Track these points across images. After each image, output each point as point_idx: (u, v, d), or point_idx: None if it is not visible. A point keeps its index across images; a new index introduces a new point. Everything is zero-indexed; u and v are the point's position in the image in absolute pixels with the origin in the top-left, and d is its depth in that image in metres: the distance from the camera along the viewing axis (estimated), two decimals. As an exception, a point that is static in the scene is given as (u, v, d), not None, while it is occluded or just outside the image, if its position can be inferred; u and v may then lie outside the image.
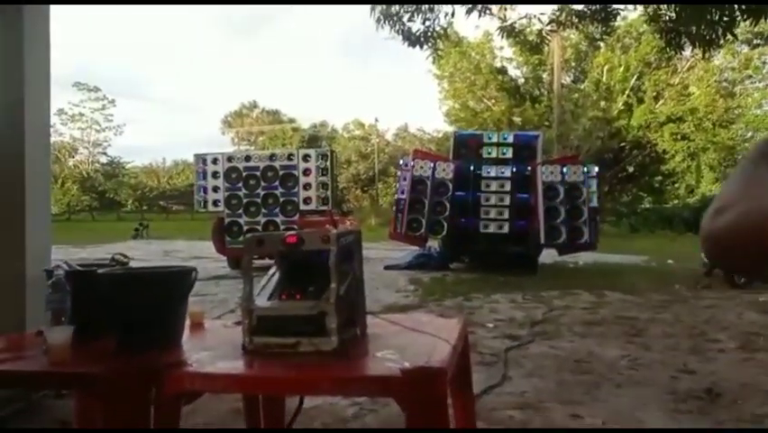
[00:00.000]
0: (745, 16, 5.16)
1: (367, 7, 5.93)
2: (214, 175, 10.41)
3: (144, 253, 14.52)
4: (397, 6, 5.97)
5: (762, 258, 0.51)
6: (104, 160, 48.64)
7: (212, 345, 1.72)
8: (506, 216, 9.78)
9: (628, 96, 25.56)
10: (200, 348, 1.67)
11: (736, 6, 5.14)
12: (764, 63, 25.99)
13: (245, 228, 10.14)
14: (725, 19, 5.29)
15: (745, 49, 24.61)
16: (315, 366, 1.45)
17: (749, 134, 27.06)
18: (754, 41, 23.68)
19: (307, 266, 1.72)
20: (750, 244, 0.51)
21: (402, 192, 10.20)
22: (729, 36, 5.49)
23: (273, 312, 1.63)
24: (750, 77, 26.20)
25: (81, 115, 46.81)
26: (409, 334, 1.73)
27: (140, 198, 45.27)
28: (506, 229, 9.72)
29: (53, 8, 3.30)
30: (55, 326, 1.65)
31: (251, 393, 1.93)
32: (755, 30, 17.28)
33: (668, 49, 6.37)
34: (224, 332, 1.92)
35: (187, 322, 1.87)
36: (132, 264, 2.17)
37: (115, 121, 47.92)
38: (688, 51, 9.11)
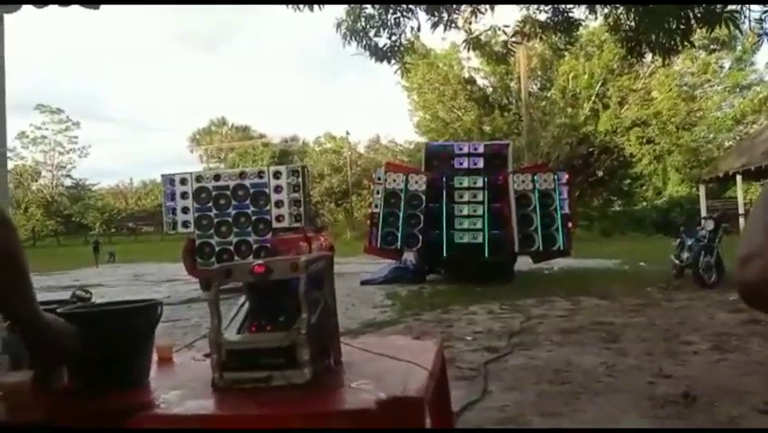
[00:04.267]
0: (700, 24, 5.30)
1: (334, 20, 5.92)
2: (183, 195, 10.23)
3: (113, 279, 14.19)
4: (363, 22, 5.97)
5: None
6: (68, 183, 47.51)
7: (181, 382, 1.65)
8: (479, 225, 9.83)
9: (594, 102, 26.13)
10: (168, 387, 1.60)
11: (691, 14, 5.28)
12: (722, 68, 26.91)
13: (217, 249, 9.97)
14: (681, 27, 5.43)
15: (703, 54, 25.43)
16: (287, 401, 1.40)
17: (711, 136, 27.91)
18: (711, 47, 24.48)
19: (277, 295, 1.67)
20: None
21: (376, 206, 10.19)
22: (686, 43, 5.64)
23: (243, 345, 1.57)
24: (709, 80, 27.09)
25: (44, 137, 45.71)
26: (385, 360, 1.69)
27: (107, 220, 44.29)
28: (480, 239, 9.77)
29: (11, 26, 3.20)
30: (13, 370, 1.56)
31: None
32: (711, 36, 17.85)
33: (629, 56, 6.52)
34: (193, 366, 1.85)
35: (155, 357, 1.80)
36: (102, 291, 2.08)
37: (80, 143, 46.96)
38: (648, 58, 9.35)
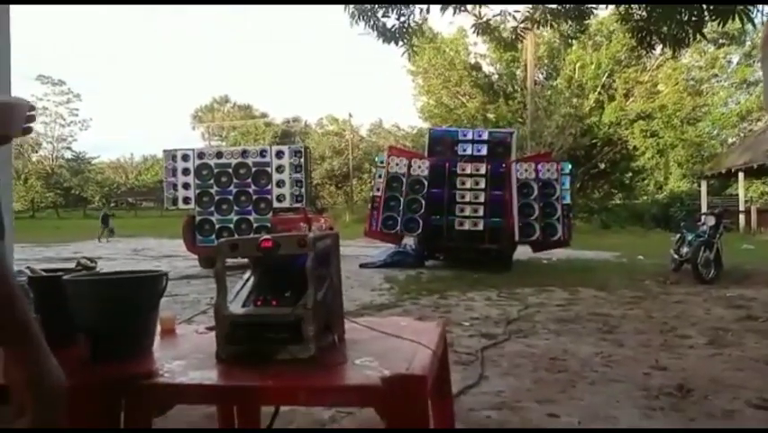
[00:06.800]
0: (713, 17, 5.24)
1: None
2: (185, 172, 10.22)
3: (112, 252, 14.22)
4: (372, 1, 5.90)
5: None
6: (69, 155, 47.47)
7: (184, 353, 1.66)
8: (480, 213, 9.83)
9: (599, 93, 26.00)
10: (172, 357, 1.60)
11: (704, 7, 5.23)
12: (729, 63, 26.74)
13: (217, 226, 9.98)
14: (694, 19, 5.38)
15: (712, 48, 25.25)
16: (291, 375, 1.41)
17: (715, 132, 27.84)
18: (720, 41, 24.29)
19: (284, 271, 1.66)
20: None
21: (377, 189, 10.18)
22: (698, 36, 5.58)
23: (248, 319, 1.57)
24: (716, 75, 26.94)
25: (45, 108, 45.56)
26: (388, 339, 1.69)
27: (107, 194, 44.29)
28: (480, 226, 9.78)
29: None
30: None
31: (226, 404, 1.87)
32: (721, 30, 17.71)
33: (639, 47, 6.45)
34: (196, 339, 1.85)
35: (158, 328, 1.81)
36: (100, 264, 2.08)
37: (81, 115, 46.85)
38: (658, 50, 9.27)
